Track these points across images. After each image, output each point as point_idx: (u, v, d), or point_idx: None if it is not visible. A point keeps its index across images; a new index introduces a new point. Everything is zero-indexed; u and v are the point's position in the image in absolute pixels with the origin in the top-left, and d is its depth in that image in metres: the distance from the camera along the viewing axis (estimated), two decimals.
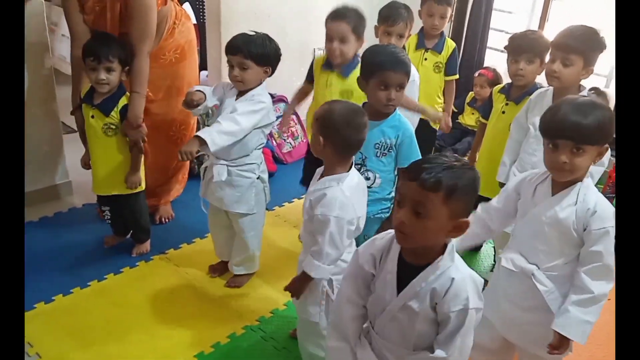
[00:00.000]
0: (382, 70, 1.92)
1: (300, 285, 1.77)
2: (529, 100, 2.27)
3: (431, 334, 1.29)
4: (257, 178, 2.27)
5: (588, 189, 1.53)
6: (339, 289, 1.45)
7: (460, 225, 1.22)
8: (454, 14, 4.31)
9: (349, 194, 1.67)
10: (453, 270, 1.24)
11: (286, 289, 1.80)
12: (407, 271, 1.28)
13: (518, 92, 2.41)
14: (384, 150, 2.00)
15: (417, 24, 2.94)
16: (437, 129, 3.12)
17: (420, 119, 2.71)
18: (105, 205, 2.57)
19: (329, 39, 2.32)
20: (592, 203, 1.51)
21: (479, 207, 1.77)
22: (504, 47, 2.47)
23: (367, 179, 2.01)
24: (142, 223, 2.60)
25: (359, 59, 2.27)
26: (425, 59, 2.96)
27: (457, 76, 3.03)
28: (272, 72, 2.20)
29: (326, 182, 1.70)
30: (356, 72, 2.26)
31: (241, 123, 2.08)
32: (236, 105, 2.11)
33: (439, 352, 1.26)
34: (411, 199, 1.20)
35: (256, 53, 2.09)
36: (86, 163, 2.49)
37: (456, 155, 1.26)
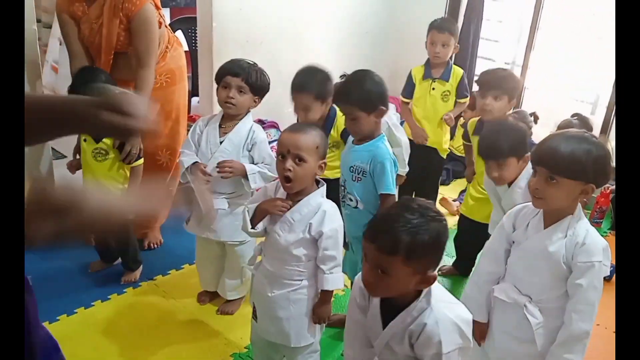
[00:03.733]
0: None
1: None
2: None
3: None
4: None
5: (578, 222, 1.52)
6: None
7: (428, 278, 1.21)
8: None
9: (271, 193, 1.74)
10: (427, 315, 1.23)
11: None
12: (391, 307, 1.29)
13: None
14: (358, 174, 2.01)
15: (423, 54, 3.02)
16: (444, 157, 3.14)
17: (428, 147, 2.85)
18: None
19: (295, 107, 2.34)
20: (581, 237, 1.50)
21: (470, 285, 1.77)
22: (475, 81, 2.47)
23: (351, 200, 2.05)
24: (130, 252, 2.57)
25: (335, 113, 2.37)
26: (433, 89, 2.99)
27: (467, 98, 3.05)
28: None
29: None
30: (335, 128, 2.39)
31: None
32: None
33: None
34: (371, 259, 1.20)
35: (254, 81, 2.14)
36: (72, 166, 2.46)
37: (426, 204, 1.22)
